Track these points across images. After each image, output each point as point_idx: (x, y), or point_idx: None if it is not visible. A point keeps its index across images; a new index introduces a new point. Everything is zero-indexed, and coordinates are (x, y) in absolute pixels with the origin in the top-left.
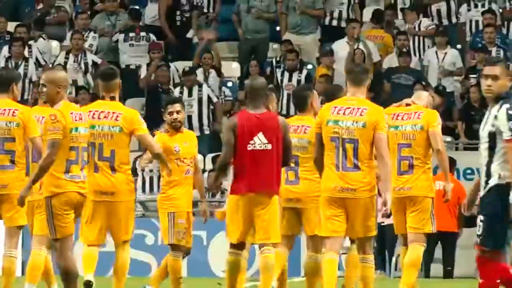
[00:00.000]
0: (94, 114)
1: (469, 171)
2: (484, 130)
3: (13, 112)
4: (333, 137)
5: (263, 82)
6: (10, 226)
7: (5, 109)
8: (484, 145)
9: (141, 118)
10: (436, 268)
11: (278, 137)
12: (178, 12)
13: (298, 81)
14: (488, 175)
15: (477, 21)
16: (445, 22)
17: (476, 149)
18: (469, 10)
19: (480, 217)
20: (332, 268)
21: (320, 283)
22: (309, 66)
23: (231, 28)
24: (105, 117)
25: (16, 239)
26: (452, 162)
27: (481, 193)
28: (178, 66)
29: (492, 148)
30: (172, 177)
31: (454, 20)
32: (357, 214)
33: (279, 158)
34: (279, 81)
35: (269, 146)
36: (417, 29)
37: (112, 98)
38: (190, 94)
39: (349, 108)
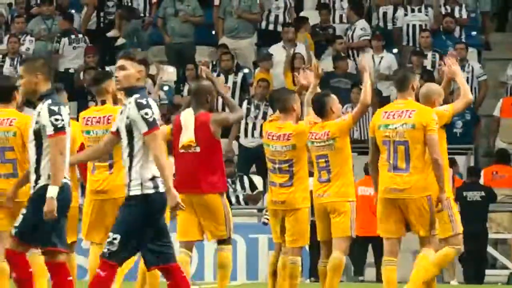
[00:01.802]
0: (87, 120)
1: None
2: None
3: (11, 121)
4: (385, 140)
5: (207, 85)
6: None
7: (3, 119)
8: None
9: None
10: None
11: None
12: (102, 14)
13: (234, 83)
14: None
15: (414, 26)
16: (389, 26)
17: None
18: (405, 15)
19: None
20: (392, 279)
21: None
22: (245, 70)
23: (157, 32)
24: (97, 122)
25: None
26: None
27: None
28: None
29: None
30: None
31: (390, 24)
32: (409, 213)
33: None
34: None
35: (198, 149)
36: (351, 35)
37: (103, 102)
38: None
39: (397, 111)
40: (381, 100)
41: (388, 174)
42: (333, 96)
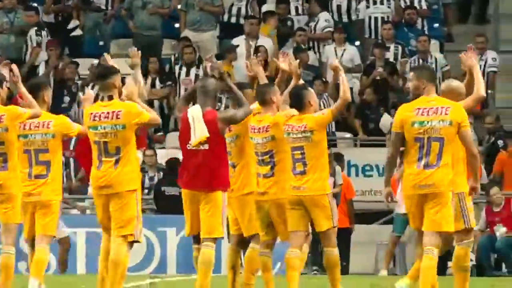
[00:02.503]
0: (95, 116)
1: (368, 168)
2: None
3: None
4: (418, 137)
5: (213, 82)
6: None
7: None
8: None
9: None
10: None
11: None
12: (60, 6)
13: (196, 76)
14: None
15: (376, 18)
16: (344, 18)
17: (373, 145)
18: (367, 7)
19: None
20: (431, 273)
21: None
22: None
23: (124, 24)
24: (105, 117)
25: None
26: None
27: None
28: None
29: None
30: None
31: (354, 16)
32: (429, 206)
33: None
34: (177, 75)
35: (206, 146)
36: (313, 27)
37: (110, 98)
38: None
39: (432, 108)
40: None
41: (417, 170)
42: (311, 90)
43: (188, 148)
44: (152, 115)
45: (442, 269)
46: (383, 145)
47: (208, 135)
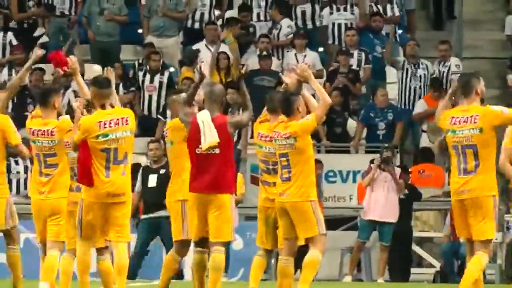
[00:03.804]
0: (105, 124)
1: (331, 174)
2: None
3: None
4: (453, 145)
5: (220, 88)
6: None
7: None
8: None
9: None
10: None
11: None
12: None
13: (160, 83)
14: None
15: (339, 24)
16: (309, 25)
17: (338, 152)
18: (331, 13)
19: None
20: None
21: None
22: (171, 69)
23: (83, 30)
24: (116, 124)
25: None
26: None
27: None
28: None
29: None
30: None
31: (318, 23)
32: (471, 214)
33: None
34: (141, 82)
35: (217, 150)
36: (277, 34)
37: (102, 107)
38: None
39: (463, 117)
40: None
41: (458, 178)
42: (300, 96)
43: (198, 152)
44: None
45: (405, 276)
46: (347, 151)
47: (218, 140)
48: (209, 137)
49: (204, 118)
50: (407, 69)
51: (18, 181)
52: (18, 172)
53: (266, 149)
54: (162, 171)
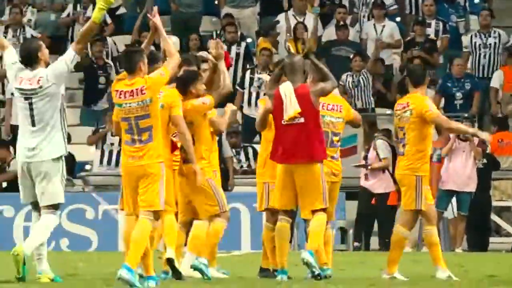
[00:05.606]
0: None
1: None
2: None
3: None
4: None
5: (300, 59)
6: None
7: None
8: None
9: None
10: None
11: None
12: None
13: (237, 54)
14: None
15: None
16: None
17: None
18: None
19: None
20: None
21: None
22: (248, 40)
23: (163, 1)
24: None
25: None
26: None
27: None
28: (116, 40)
29: None
30: None
31: None
32: None
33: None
34: None
35: (302, 120)
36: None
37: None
38: None
39: None
40: (384, 69)
41: None
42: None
43: (283, 123)
44: None
45: (483, 245)
46: None
47: (299, 109)
48: (290, 108)
49: (286, 89)
50: (478, 38)
51: (110, 152)
52: (112, 144)
53: (327, 119)
54: None
